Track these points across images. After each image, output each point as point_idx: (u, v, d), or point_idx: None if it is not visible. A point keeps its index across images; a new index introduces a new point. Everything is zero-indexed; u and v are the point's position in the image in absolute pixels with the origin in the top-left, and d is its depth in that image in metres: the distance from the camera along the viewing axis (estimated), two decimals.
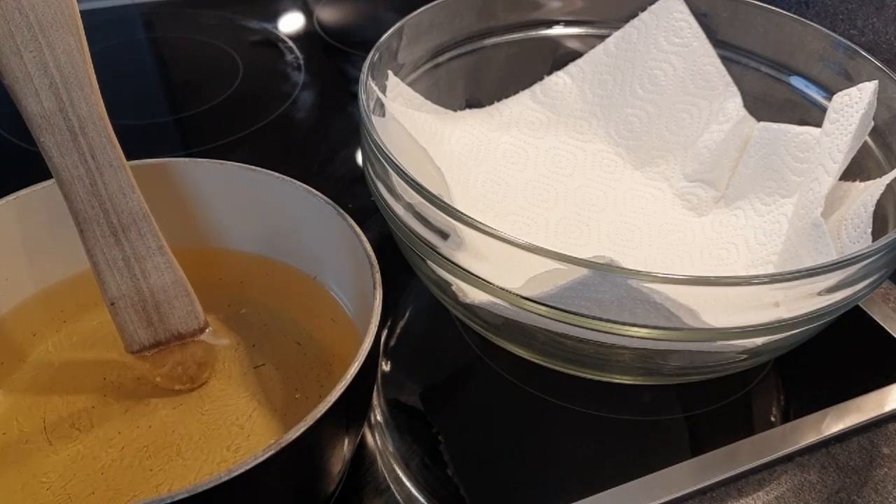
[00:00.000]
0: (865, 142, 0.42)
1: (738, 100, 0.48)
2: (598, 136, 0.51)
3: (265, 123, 0.59)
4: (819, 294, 0.32)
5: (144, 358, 0.34)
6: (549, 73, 0.52)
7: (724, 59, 0.48)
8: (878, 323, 0.45)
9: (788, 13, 0.47)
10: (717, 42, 0.48)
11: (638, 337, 0.32)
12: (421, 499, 0.35)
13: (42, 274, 0.38)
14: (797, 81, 0.47)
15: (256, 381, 0.35)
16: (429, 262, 0.36)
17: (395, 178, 0.35)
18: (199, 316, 0.34)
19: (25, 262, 0.37)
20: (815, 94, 0.46)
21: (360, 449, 0.37)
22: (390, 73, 0.44)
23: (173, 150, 0.56)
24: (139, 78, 0.65)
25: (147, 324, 0.33)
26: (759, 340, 0.34)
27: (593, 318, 0.32)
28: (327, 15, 0.74)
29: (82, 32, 0.30)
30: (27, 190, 0.36)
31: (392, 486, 0.35)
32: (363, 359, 0.29)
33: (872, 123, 0.41)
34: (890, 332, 0.44)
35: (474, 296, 0.35)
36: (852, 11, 0.53)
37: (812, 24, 0.46)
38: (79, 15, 0.30)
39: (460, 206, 0.33)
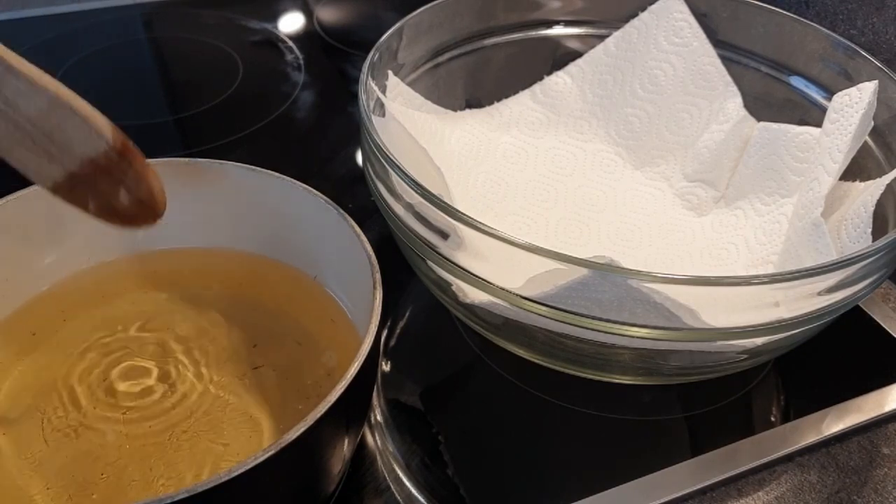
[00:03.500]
0: (865, 142, 0.42)
1: (738, 100, 0.48)
2: (598, 136, 0.51)
3: (265, 123, 0.59)
4: (819, 294, 0.32)
5: (72, 195, 0.30)
6: (549, 73, 0.52)
7: (724, 59, 0.48)
8: (878, 323, 0.45)
9: (788, 13, 0.47)
10: (717, 42, 0.48)
11: (638, 337, 0.32)
12: (421, 499, 0.35)
13: (42, 274, 0.38)
14: (797, 81, 0.47)
15: (256, 382, 0.35)
16: (429, 262, 0.36)
17: (395, 178, 0.35)
18: (104, 132, 0.29)
19: (25, 263, 0.37)
20: (815, 94, 0.46)
21: (360, 449, 0.37)
22: (390, 73, 0.44)
23: (173, 150, 0.56)
24: (139, 78, 0.65)
25: (48, 157, 0.29)
26: (759, 340, 0.34)
27: (593, 318, 0.32)
28: (327, 15, 0.74)
29: None
30: (27, 190, 0.36)
31: (392, 486, 0.35)
32: (363, 359, 0.29)
33: (872, 123, 0.41)
34: (890, 332, 0.44)
35: (474, 296, 0.35)
36: (852, 11, 0.53)
37: (812, 24, 0.46)
38: None
39: (460, 206, 0.33)
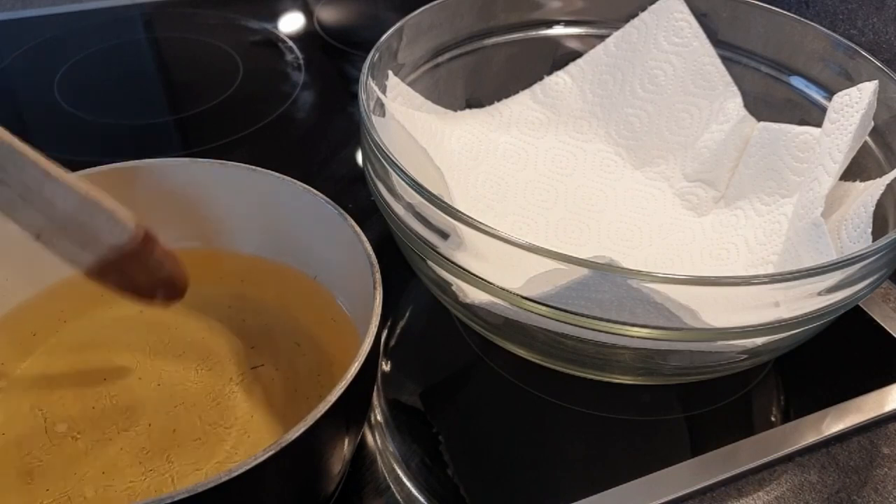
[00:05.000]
0: (865, 142, 0.42)
1: (739, 100, 0.48)
2: (598, 135, 0.51)
3: (265, 123, 0.59)
4: (819, 294, 0.32)
5: (102, 278, 0.33)
6: (549, 73, 0.52)
7: (724, 59, 0.48)
8: (878, 323, 0.45)
9: (788, 13, 0.47)
10: (717, 42, 0.48)
11: (638, 337, 0.32)
12: (421, 499, 0.35)
13: (42, 274, 0.38)
14: (797, 81, 0.47)
15: (256, 382, 0.35)
16: (429, 262, 0.36)
17: (395, 178, 0.35)
18: (127, 225, 0.32)
19: (25, 263, 0.37)
20: (815, 94, 0.46)
21: (360, 449, 0.37)
22: (390, 73, 0.44)
23: (173, 150, 0.56)
24: (139, 78, 0.65)
25: (82, 246, 0.32)
26: (759, 340, 0.34)
27: (593, 318, 0.32)
28: (327, 15, 0.74)
29: None
30: None
31: (392, 486, 0.35)
32: (363, 359, 0.29)
33: (872, 123, 0.41)
34: (890, 332, 0.44)
35: (474, 296, 0.35)
36: (852, 11, 0.53)
37: (812, 24, 0.46)
38: None
39: (460, 206, 0.33)
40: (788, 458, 0.38)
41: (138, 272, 0.34)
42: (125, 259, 0.33)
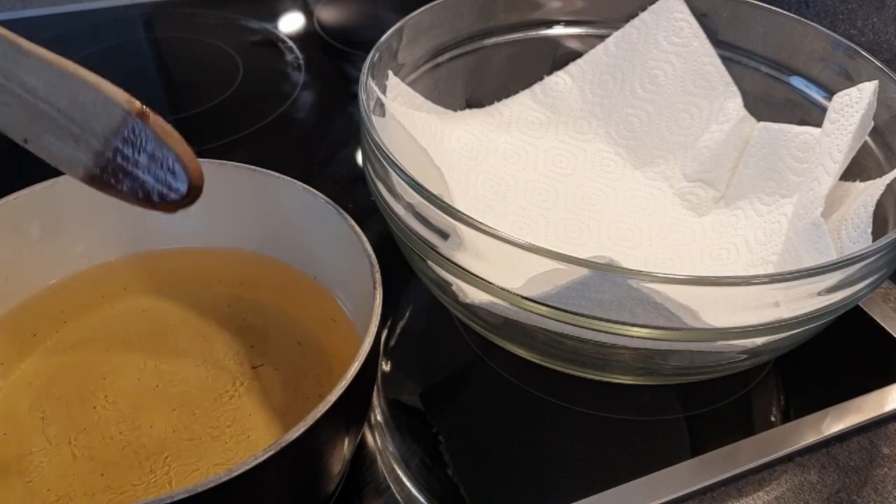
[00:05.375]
0: (865, 142, 0.42)
1: (739, 100, 0.48)
2: (598, 135, 0.51)
3: (265, 123, 0.59)
4: (819, 294, 0.32)
5: (103, 181, 0.29)
6: (549, 73, 0.52)
7: (724, 59, 0.48)
8: (878, 323, 0.45)
9: (788, 13, 0.47)
10: (717, 42, 0.48)
11: (638, 337, 0.32)
12: (421, 499, 0.35)
13: (42, 274, 0.38)
14: (797, 81, 0.47)
15: (256, 382, 0.35)
16: (429, 262, 0.36)
17: (395, 178, 0.35)
18: (118, 99, 0.27)
19: (25, 263, 0.37)
20: (815, 94, 0.46)
21: (360, 449, 0.37)
22: (390, 73, 0.44)
23: None
24: (139, 78, 0.65)
25: (74, 140, 0.28)
26: (759, 340, 0.34)
27: (593, 318, 0.32)
28: (327, 15, 0.74)
29: None
30: (27, 190, 0.36)
31: (392, 486, 0.35)
32: (363, 359, 0.29)
33: (872, 123, 0.41)
34: (890, 332, 0.44)
35: (474, 296, 0.35)
36: (852, 11, 0.53)
37: (812, 24, 0.46)
38: None
39: (460, 206, 0.33)
40: (788, 458, 0.38)
41: (140, 162, 0.29)
42: (123, 147, 0.28)
